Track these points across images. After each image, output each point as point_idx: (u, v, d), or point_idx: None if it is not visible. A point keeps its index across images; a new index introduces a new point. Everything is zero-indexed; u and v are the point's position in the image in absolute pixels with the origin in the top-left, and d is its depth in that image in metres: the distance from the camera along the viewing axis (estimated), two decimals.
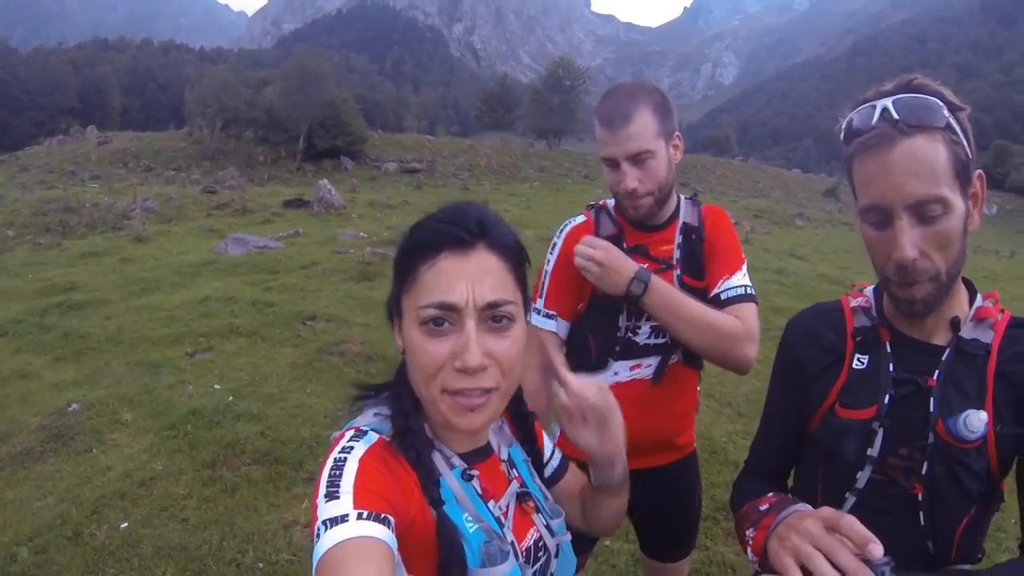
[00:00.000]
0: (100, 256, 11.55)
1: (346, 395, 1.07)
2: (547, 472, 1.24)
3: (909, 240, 1.05)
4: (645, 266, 1.78)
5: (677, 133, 1.82)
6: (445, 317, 0.90)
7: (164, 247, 12.36)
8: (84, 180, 28.01)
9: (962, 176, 1.05)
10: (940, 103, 1.05)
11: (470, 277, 0.91)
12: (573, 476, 1.29)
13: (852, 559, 0.83)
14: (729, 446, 4.61)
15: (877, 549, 0.82)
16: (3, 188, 24.72)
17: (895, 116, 1.04)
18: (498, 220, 0.98)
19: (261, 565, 3.25)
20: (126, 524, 3.52)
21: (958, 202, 1.05)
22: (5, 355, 6.27)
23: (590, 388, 1.06)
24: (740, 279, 1.86)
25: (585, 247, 1.77)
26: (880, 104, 1.07)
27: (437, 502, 0.93)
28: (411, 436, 0.96)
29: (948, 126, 1.04)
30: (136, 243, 12.71)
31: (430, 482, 0.94)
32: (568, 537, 1.13)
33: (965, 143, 1.06)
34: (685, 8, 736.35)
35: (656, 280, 1.74)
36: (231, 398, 5.08)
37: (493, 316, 0.92)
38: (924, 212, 1.04)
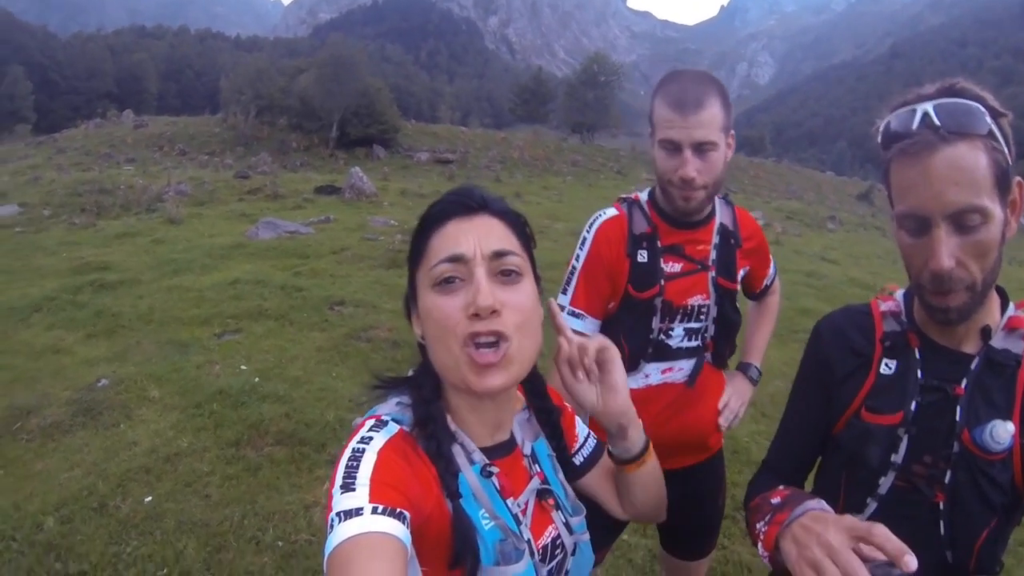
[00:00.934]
0: (133, 237, 11.73)
1: (367, 384, 1.06)
2: (580, 459, 1.22)
3: (947, 250, 1.02)
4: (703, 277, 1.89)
5: (732, 131, 1.79)
6: (455, 273, 0.92)
7: (196, 229, 12.51)
8: (119, 163, 28.34)
9: (1002, 184, 1.03)
10: (982, 109, 1.02)
11: (475, 232, 0.95)
12: (610, 461, 1.26)
13: None
14: (752, 446, 4.55)
15: (912, 561, 0.81)
16: (41, 169, 25.18)
17: (936, 122, 1.01)
18: (501, 197, 1.01)
19: (280, 544, 3.29)
20: (150, 498, 3.58)
21: (997, 211, 1.02)
22: (39, 330, 6.40)
23: (590, 340, 1.06)
24: (773, 264, 2.17)
25: (730, 413, 2.01)
26: (920, 108, 1.04)
27: (454, 494, 0.92)
28: (432, 425, 0.95)
29: (990, 133, 1.01)
30: (169, 225, 12.87)
31: (448, 474, 0.93)
32: (587, 536, 1.12)
33: (1005, 149, 1.03)
34: (722, 7, 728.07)
35: (755, 362, 2.14)
36: (257, 379, 5.14)
37: (501, 269, 0.94)
38: (963, 222, 1.01)
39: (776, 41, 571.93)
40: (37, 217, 14.45)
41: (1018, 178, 1.06)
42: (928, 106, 1.03)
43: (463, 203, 0.97)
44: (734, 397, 2.01)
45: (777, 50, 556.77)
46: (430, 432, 0.95)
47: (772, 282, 2.18)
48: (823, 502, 1.02)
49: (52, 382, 5.11)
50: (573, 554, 1.09)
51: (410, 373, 1.05)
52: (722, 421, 1.96)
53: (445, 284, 0.92)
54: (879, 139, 1.11)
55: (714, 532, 2.19)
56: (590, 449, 1.24)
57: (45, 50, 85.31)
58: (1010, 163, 1.04)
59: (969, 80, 1.06)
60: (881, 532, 0.84)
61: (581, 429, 1.25)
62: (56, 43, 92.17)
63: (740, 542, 3.52)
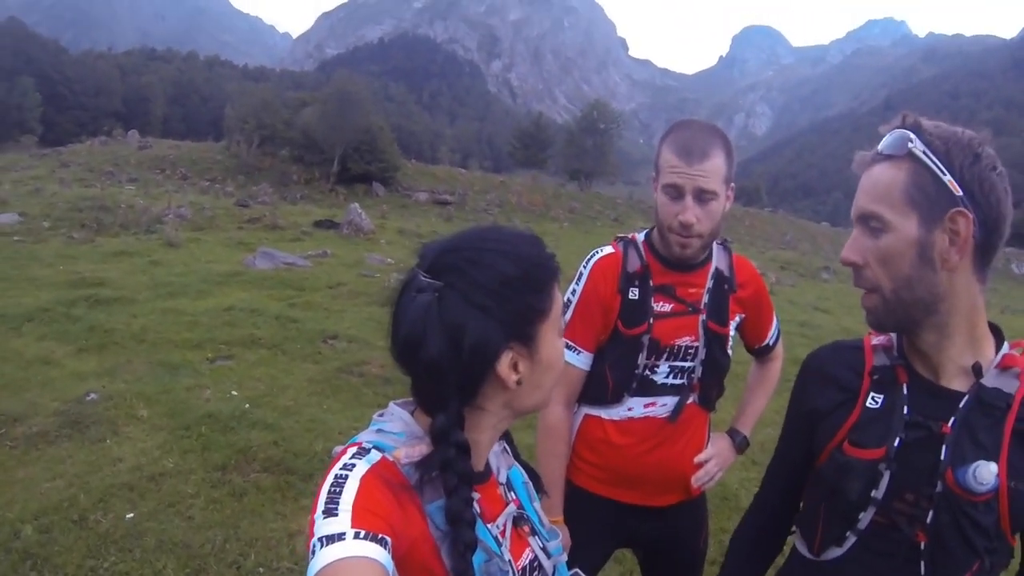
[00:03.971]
0: (131, 256, 11.74)
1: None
2: None
3: (851, 244, 1.16)
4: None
5: (733, 184, 1.83)
6: None
7: (194, 254, 12.55)
8: (122, 182, 28.40)
9: (923, 204, 1.08)
10: (912, 136, 1.09)
11: None
12: None
13: None
14: (741, 492, 4.53)
15: None
16: (43, 181, 25.27)
17: (877, 148, 1.14)
18: None
19: (262, 570, 3.25)
20: (132, 515, 3.55)
21: (904, 224, 1.09)
22: (30, 340, 6.40)
23: None
24: (776, 322, 2.15)
25: (705, 475, 1.96)
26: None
27: (466, 522, 0.93)
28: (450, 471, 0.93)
29: (911, 155, 1.08)
30: (167, 247, 12.91)
31: (463, 512, 0.93)
32: (564, 558, 1.15)
33: (946, 175, 1.07)
34: (721, 57, 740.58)
35: (745, 431, 2.09)
36: (247, 406, 5.12)
37: None
38: (868, 225, 1.13)
39: (774, 92, 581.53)
40: (36, 228, 14.51)
41: (959, 209, 1.07)
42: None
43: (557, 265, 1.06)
44: (715, 459, 1.99)
45: (775, 101, 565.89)
46: (450, 475, 0.93)
47: (775, 343, 2.15)
48: None
49: (40, 392, 5.08)
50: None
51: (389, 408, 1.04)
52: (694, 481, 1.94)
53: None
54: None
55: (695, 574, 2.16)
56: None
57: (56, 64, 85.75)
58: (957, 192, 1.07)
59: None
60: None
61: None
62: (67, 58, 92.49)
63: None
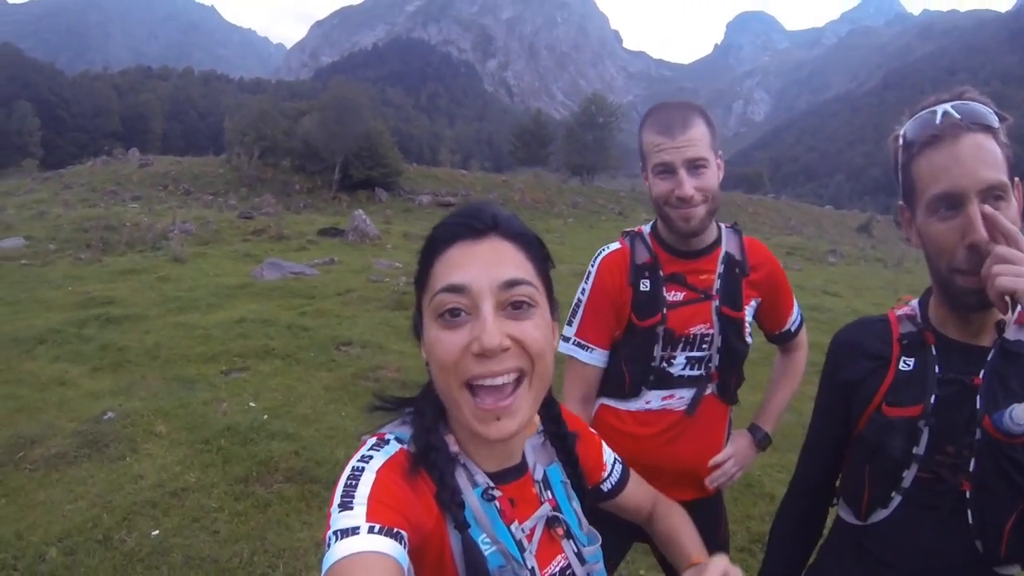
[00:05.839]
0: (139, 273, 11.79)
1: (368, 406, 1.03)
2: (607, 486, 1.22)
3: (982, 223, 1.09)
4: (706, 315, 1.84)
5: (720, 153, 1.82)
6: (460, 306, 0.86)
7: (201, 268, 12.58)
8: (125, 200, 28.49)
9: (1011, 175, 1.12)
10: (990, 109, 1.13)
11: (483, 260, 0.88)
12: (636, 488, 1.26)
13: None
14: (764, 479, 4.52)
15: None
16: (47, 204, 25.39)
17: (957, 116, 1.12)
18: (515, 216, 0.96)
19: None
20: (157, 532, 3.53)
21: (1012, 193, 1.12)
22: (44, 362, 6.41)
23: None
24: (797, 307, 2.09)
25: (722, 475, 1.91)
26: (941, 108, 1.15)
27: (462, 525, 0.91)
28: (433, 454, 0.92)
29: (997, 129, 1.13)
30: (174, 263, 12.94)
31: (454, 504, 0.91)
32: (600, 566, 1.08)
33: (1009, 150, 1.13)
34: (716, 45, 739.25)
35: (767, 428, 2.03)
36: (265, 416, 5.10)
37: (512, 301, 0.87)
38: (992, 197, 1.09)
39: (771, 77, 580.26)
40: (43, 251, 14.56)
41: (1017, 179, 1.14)
42: (947, 106, 1.14)
43: (470, 224, 0.91)
44: (733, 459, 1.94)
45: (772, 86, 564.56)
46: (432, 461, 0.92)
47: (797, 329, 2.09)
48: None
49: (57, 413, 5.08)
50: None
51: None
52: (709, 482, 1.90)
53: (449, 316, 0.86)
54: (900, 143, 1.21)
55: None
56: (617, 475, 1.24)
57: (53, 87, 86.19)
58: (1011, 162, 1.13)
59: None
60: None
61: (608, 456, 1.24)
62: (63, 80, 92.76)
63: None
